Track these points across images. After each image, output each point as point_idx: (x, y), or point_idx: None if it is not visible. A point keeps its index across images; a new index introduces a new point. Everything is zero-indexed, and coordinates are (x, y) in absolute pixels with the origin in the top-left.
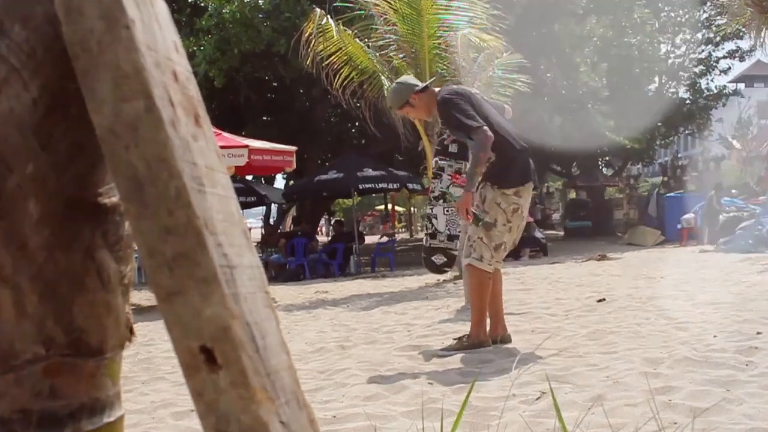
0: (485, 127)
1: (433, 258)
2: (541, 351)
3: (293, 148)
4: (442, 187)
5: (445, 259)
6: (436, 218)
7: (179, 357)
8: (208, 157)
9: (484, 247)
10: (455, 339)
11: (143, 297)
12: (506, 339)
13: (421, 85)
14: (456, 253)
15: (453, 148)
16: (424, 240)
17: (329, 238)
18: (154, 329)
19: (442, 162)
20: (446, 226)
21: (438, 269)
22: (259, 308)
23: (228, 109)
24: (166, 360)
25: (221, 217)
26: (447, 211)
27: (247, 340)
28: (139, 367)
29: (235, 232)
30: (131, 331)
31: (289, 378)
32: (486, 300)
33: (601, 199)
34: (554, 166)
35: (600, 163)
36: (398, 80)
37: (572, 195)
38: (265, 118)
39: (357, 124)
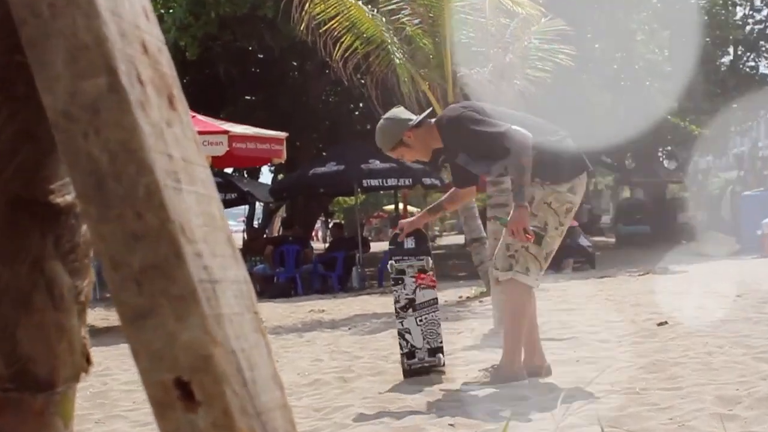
0: (515, 127)
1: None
2: (590, 386)
3: (283, 135)
4: (407, 294)
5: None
6: (409, 333)
7: (148, 392)
8: (185, 147)
9: (530, 258)
10: (482, 370)
11: (97, 316)
12: (545, 371)
13: (415, 119)
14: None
15: (409, 243)
16: (401, 360)
17: (326, 244)
18: (110, 356)
19: (400, 264)
20: (424, 339)
21: None
22: (247, 333)
23: (203, 86)
24: (125, 394)
25: (201, 221)
26: (420, 320)
27: (232, 371)
28: (92, 402)
29: (219, 239)
30: (88, 360)
31: (283, 419)
32: (525, 323)
33: (661, 199)
34: (604, 158)
35: (660, 154)
36: (386, 115)
37: (626, 193)
38: (248, 97)
39: (361, 105)
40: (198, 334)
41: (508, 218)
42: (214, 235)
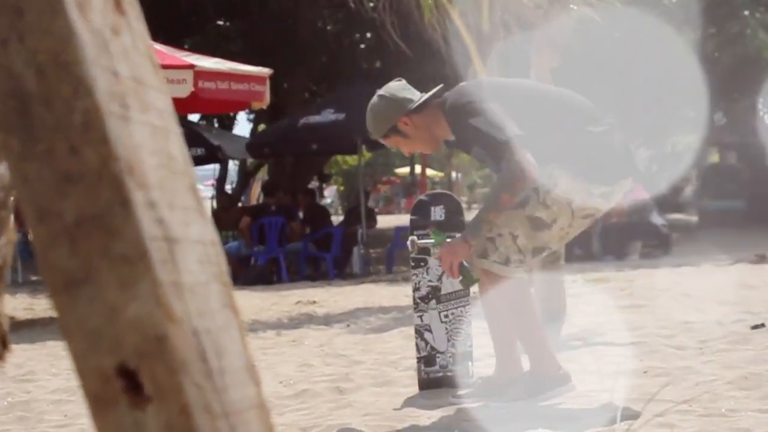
0: (523, 152)
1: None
2: (660, 403)
3: (265, 72)
4: (430, 280)
5: None
6: (430, 331)
7: (83, 383)
8: (136, 63)
9: (512, 248)
10: (480, 378)
11: (19, 305)
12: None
13: (417, 98)
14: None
15: (437, 214)
16: (416, 367)
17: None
18: (35, 356)
19: (423, 240)
20: (449, 340)
21: None
22: (213, 309)
23: (162, 6)
24: (54, 406)
25: (156, 162)
26: (445, 315)
27: (193, 358)
28: (9, 415)
29: (179, 185)
30: (4, 344)
31: (259, 423)
32: (534, 318)
33: (761, 166)
34: (684, 110)
35: (761, 106)
36: (380, 91)
37: (714, 158)
38: (221, 22)
39: (369, 35)
40: (149, 307)
41: (445, 239)
42: (173, 180)
